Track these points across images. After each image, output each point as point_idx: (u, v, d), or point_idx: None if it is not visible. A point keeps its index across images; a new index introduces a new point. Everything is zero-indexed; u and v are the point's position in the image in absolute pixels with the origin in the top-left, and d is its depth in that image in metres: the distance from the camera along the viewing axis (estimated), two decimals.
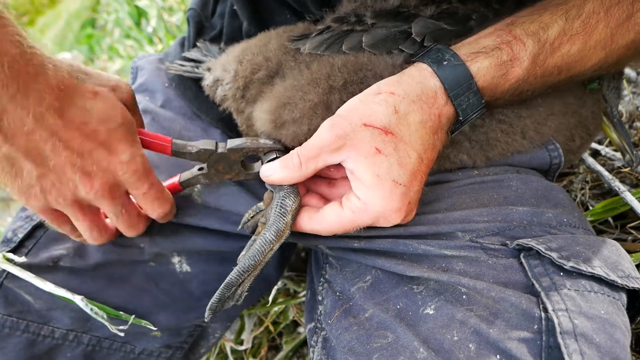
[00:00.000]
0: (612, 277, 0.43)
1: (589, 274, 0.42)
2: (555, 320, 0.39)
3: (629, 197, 0.72)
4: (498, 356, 0.39)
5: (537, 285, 0.42)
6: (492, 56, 0.46)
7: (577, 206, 0.71)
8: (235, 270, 0.48)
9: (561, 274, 0.43)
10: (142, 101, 0.72)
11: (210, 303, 0.48)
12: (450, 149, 0.55)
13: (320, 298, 0.57)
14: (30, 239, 0.60)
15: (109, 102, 0.48)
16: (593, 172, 0.86)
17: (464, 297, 0.44)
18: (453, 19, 0.52)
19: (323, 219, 0.48)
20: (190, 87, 0.72)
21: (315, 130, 0.47)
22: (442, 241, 0.49)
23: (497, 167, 0.58)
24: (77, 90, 0.46)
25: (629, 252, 0.54)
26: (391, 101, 0.45)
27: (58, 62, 0.45)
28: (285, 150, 0.55)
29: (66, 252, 0.59)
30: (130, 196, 0.53)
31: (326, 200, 0.52)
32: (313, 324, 0.56)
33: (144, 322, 0.61)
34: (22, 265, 0.56)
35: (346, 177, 0.48)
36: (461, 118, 0.48)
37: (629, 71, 1.02)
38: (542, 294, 0.41)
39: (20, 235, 0.60)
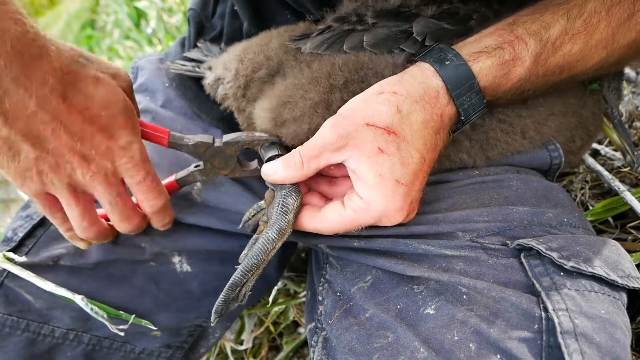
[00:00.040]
0: (612, 276, 0.43)
1: (590, 273, 0.42)
2: (556, 320, 0.39)
3: (628, 196, 0.72)
4: (498, 356, 0.39)
5: (537, 285, 0.42)
6: (494, 56, 0.46)
7: (577, 206, 0.71)
8: (239, 269, 0.48)
9: (561, 273, 0.43)
10: (142, 101, 0.72)
11: (215, 306, 0.48)
12: (451, 148, 0.55)
13: (320, 298, 0.57)
14: (30, 238, 0.60)
15: (111, 88, 0.47)
16: (593, 172, 0.86)
17: (465, 297, 0.44)
18: (454, 19, 0.52)
19: (325, 218, 0.48)
20: (190, 87, 0.72)
21: (315, 129, 0.47)
22: (443, 241, 0.49)
23: (497, 167, 0.58)
24: (79, 75, 0.45)
25: (629, 251, 0.54)
26: (394, 101, 0.45)
27: (60, 45, 0.44)
28: (281, 143, 0.56)
29: (66, 251, 0.59)
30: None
31: (327, 198, 0.52)
32: (313, 324, 0.56)
33: (144, 322, 0.61)
34: (22, 265, 0.56)
35: (347, 176, 0.48)
36: (463, 118, 0.48)
37: (628, 71, 1.03)
38: (543, 294, 0.41)
39: (21, 235, 0.60)
